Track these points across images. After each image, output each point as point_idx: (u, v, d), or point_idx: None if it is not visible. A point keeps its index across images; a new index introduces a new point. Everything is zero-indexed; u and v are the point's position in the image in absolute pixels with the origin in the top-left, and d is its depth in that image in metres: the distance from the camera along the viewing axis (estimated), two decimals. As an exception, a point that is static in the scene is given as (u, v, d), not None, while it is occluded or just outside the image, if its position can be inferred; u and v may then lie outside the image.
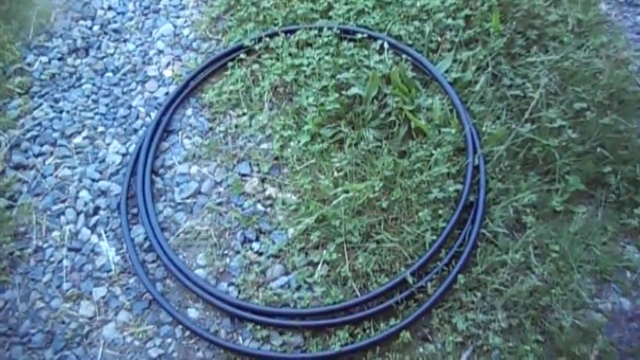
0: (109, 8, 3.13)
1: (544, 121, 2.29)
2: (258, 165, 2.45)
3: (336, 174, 2.28)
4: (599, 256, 2.11)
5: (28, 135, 2.61)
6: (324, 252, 2.17)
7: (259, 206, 2.36)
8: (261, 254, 2.24)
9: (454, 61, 2.54)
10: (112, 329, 2.13)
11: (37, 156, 2.56)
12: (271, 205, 2.36)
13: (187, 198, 2.41)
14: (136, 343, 2.10)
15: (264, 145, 2.50)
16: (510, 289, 2.00)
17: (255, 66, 2.70)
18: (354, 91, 2.42)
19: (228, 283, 2.19)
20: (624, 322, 2.02)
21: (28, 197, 2.44)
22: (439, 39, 2.62)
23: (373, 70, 2.44)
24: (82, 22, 3.06)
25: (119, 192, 2.43)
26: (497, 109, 2.40)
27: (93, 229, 2.36)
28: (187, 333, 2.11)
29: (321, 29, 2.69)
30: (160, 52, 2.91)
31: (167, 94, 2.73)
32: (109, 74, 2.84)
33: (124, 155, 2.55)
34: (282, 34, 2.70)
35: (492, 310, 2.00)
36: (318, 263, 2.17)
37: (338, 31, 2.68)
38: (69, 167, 2.52)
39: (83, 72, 2.85)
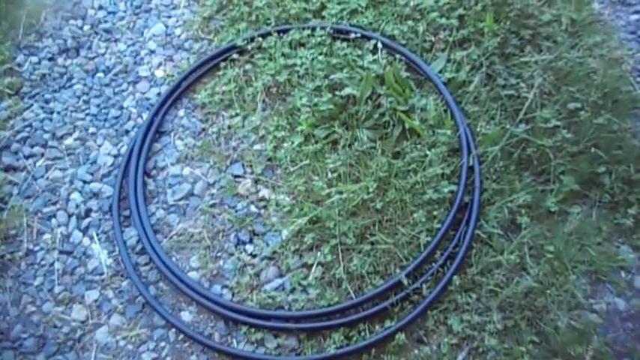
0: (100, 8, 3.10)
1: (538, 121, 2.29)
2: (251, 166, 2.44)
3: (329, 175, 2.26)
4: (593, 256, 2.11)
5: (19, 136, 2.58)
6: (319, 254, 2.16)
7: (253, 208, 2.34)
8: (254, 256, 2.23)
9: (448, 60, 2.54)
10: (104, 333, 2.11)
11: (27, 157, 2.53)
12: (265, 207, 2.34)
13: (180, 200, 2.39)
14: (129, 346, 2.08)
15: (257, 146, 2.49)
16: (505, 290, 2.00)
17: (248, 66, 2.68)
18: (347, 91, 2.41)
19: (222, 286, 2.18)
20: (619, 322, 2.02)
21: (19, 199, 2.41)
22: (433, 39, 2.61)
23: (367, 70, 2.43)
24: (72, 21, 3.03)
25: (111, 194, 2.41)
26: (491, 109, 2.39)
27: (85, 231, 2.34)
28: (181, 336, 2.09)
29: (314, 29, 2.68)
30: (152, 52, 2.89)
31: (159, 94, 2.71)
32: (100, 74, 2.81)
33: (115, 157, 2.53)
34: (275, 34, 2.69)
35: (488, 311, 2.00)
36: (312, 265, 2.16)
37: (331, 31, 2.66)
38: (60, 169, 2.50)
39: (74, 72, 2.82)
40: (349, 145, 2.33)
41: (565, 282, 2.04)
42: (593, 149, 2.25)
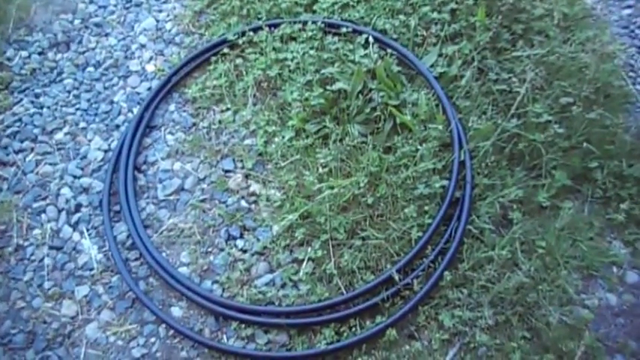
0: (91, 2, 3.08)
1: (530, 116, 2.28)
2: (242, 161, 2.42)
3: (320, 170, 2.26)
4: (585, 251, 2.11)
5: (8, 131, 2.57)
6: (309, 249, 2.15)
7: (243, 203, 2.33)
8: (245, 251, 2.22)
9: (440, 55, 2.52)
10: (94, 329, 2.10)
11: (17, 152, 2.52)
12: (255, 202, 2.33)
13: (170, 195, 2.38)
14: (119, 342, 2.07)
15: (248, 141, 2.47)
16: (497, 286, 1.99)
17: (239, 60, 2.67)
18: (338, 85, 2.40)
19: (213, 281, 2.17)
20: (610, 317, 2.02)
21: (9, 195, 2.40)
22: (424, 33, 2.60)
23: (358, 65, 2.42)
24: (62, 15, 3.01)
25: (101, 189, 2.39)
26: (483, 104, 2.38)
27: (75, 226, 2.32)
28: (171, 332, 2.08)
29: (305, 23, 2.67)
30: (143, 46, 2.87)
31: (149, 89, 2.70)
32: (91, 69, 2.80)
33: (105, 151, 2.52)
34: (266, 28, 2.67)
35: (479, 306, 1.99)
36: (303, 260, 2.15)
37: (322, 25, 2.65)
38: (50, 164, 2.49)
39: (64, 67, 2.80)
40: (340, 140, 2.32)
41: (556, 277, 2.04)
42: (585, 144, 2.24)
